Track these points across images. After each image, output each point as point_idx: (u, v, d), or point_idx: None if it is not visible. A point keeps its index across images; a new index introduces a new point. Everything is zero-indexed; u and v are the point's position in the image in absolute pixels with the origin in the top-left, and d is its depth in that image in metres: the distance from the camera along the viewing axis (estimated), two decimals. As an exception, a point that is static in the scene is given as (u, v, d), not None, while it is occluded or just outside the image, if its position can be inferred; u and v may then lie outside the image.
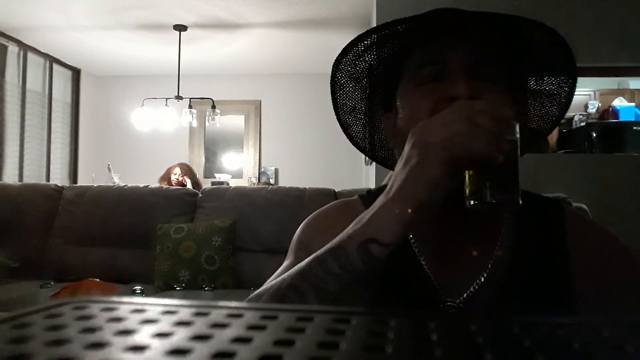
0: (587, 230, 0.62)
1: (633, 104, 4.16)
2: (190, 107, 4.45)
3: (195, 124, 4.69)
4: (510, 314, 0.53)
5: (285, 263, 0.65)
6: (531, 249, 0.60)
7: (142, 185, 2.63)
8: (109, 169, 4.49)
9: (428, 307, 0.59)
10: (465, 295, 0.58)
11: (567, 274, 0.58)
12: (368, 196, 0.68)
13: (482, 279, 0.58)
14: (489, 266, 0.59)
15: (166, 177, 4.12)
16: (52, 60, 4.80)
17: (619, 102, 4.19)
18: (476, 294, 0.58)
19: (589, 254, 0.58)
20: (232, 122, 5.42)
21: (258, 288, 0.54)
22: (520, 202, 0.47)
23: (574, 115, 4.18)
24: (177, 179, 4.08)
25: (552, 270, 0.58)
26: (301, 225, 0.69)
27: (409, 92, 0.59)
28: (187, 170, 4.19)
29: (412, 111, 0.58)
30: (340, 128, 0.71)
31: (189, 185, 3.96)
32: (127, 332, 0.22)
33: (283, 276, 0.51)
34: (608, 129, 3.48)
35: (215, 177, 5.32)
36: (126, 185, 2.65)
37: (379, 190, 0.66)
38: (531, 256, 0.60)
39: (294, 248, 0.67)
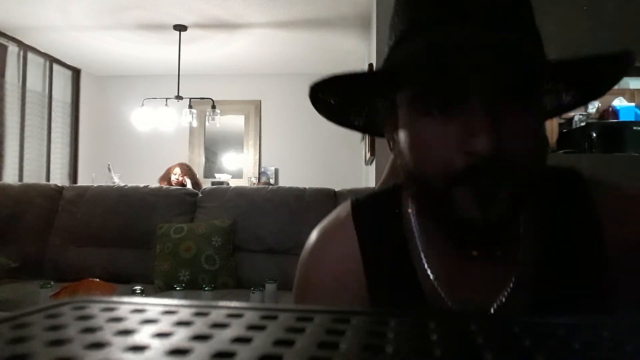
0: (628, 218, 0.53)
1: (633, 104, 4.16)
2: (190, 107, 4.45)
3: (195, 124, 4.69)
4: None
5: None
6: (559, 254, 0.53)
7: (142, 185, 2.63)
8: (109, 169, 4.49)
9: None
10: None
11: (603, 278, 0.51)
12: (359, 210, 0.61)
13: (504, 297, 0.53)
14: (511, 283, 0.53)
15: (166, 177, 4.12)
16: (52, 60, 4.80)
17: (619, 102, 4.18)
18: (502, 309, 0.52)
19: (630, 250, 0.51)
20: (232, 122, 5.42)
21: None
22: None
23: (573, 115, 4.18)
24: (177, 179, 4.08)
25: (586, 276, 0.52)
26: (297, 281, 0.62)
27: (413, 118, 0.48)
28: (187, 170, 4.19)
29: (416, 146, 0.48)
30: (339, 128, 0.66)
31: (189, 185, 3.96)
32: (127, 332, 0.22)
33: None
34: (608, 129, 3.47)
35: (215, 177, 5.32)
36: (126, 185, 2.66)
37: (370, 198, 0.62)
38: (560, 263, 0.53)
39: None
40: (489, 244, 0.51)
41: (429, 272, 0.55)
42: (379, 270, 0.57)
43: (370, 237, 0.58)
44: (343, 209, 0.62)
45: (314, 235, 0.62)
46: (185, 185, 3.95)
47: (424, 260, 0.55)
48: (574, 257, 0.53)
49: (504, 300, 0.52)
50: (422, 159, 0.47)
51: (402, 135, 0.50)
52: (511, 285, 0.53)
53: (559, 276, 0.52)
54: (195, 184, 4.10)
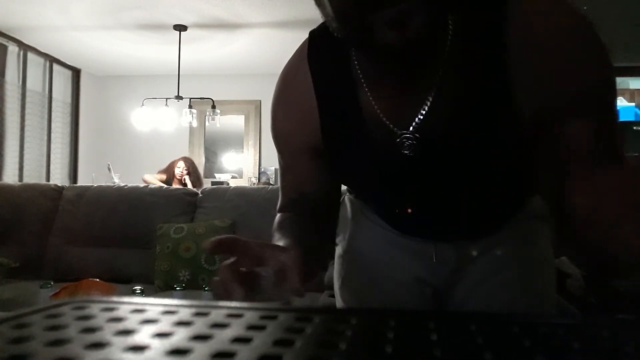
0: (540, 22, 0.52)
1: (633, 104, 4.17)
2: (190, 107, 4.46)
3: (195, 124, 4.69)
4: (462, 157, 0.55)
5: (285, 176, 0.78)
6: (474, 64, 0.52)
7: (142, 185, 2.63)
8: (109, 169, 4.50)
9: (385, 142, 0.57)
10: (414, 124, 0.55)
11: (510, 83, 0.51)
12: (314, 46, 0.65)
13: (427, 106, 0.54)
14: (433, 92, 0.54)
15: (169, 171, 4.14)
16: (52, 60, 4.80)
17: (618, 102, 4.19)
18: (425, 122, 0.54)
19: (534, 56, 0.50)
20: (232, 122, 5.42)
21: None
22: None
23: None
24: (182, 173, 4.10)
25: (495, 80, 0.52)
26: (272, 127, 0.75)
27: None
28: (191, 164, 4.21)
29: None
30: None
31: (188, 182, 3.99)
32: (127, 332, 0.22)
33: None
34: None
35: (215, 177, 5.32)
36: (126, 185, 2.65)
37: (326, 28, 0.56)
38: (475, 72, 0.53)
39: (282, 154, 0.77)
40: (413, 61, 0.51)
41: (367, 91, 0.57)
42: (330, 101, 0.62)
43: (322, 71, 0.62)
44: (303, 47, 0.67)
45: (279, 80, 0.72)
46: (185, 183, 3.98)
47: (364, 81, 0.58)
48: (484, 74, 0.52)
49: (424, 112, 0.54)
50: None
51: None
52: (431, 97, 0.53)
53: (471, 93, 0.53)
54: (197, 179, 4.12)
